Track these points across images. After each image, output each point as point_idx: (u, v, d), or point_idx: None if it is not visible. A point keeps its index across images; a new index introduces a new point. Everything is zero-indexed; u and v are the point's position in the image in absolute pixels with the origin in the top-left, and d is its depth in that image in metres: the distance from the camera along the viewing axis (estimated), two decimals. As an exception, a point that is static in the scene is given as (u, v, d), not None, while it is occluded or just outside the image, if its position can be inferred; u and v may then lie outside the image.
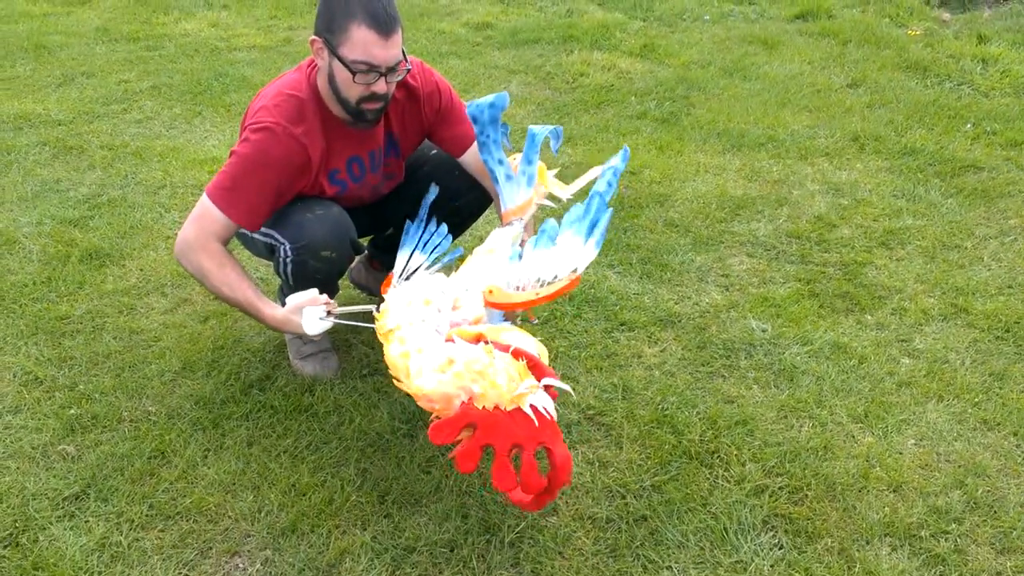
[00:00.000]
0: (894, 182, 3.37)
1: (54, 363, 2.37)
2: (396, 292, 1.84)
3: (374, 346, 2.42)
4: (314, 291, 1.93)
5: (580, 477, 1.96)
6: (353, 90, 1.90)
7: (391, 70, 1.89)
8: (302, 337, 2.31)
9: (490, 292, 1.79)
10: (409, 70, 1.97)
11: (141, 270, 2.84)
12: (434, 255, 2.07)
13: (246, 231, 2.19)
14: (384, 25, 1.81)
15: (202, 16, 6.14)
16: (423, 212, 2.13)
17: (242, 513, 1.86)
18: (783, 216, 3.14)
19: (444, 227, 2.11)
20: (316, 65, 1.99)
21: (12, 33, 5.71)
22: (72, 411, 2.17)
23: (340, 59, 1.86)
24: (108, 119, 4.24)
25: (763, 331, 2.49)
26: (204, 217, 1.98)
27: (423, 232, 2.09)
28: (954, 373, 2.29)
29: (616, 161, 1.94)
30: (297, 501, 1.89)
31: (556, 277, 1.80)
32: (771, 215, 3.14)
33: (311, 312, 1.87)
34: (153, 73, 4.92)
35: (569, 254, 1.82)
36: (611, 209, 1.90)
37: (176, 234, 3.02)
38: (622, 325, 2.51)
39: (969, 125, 3.83)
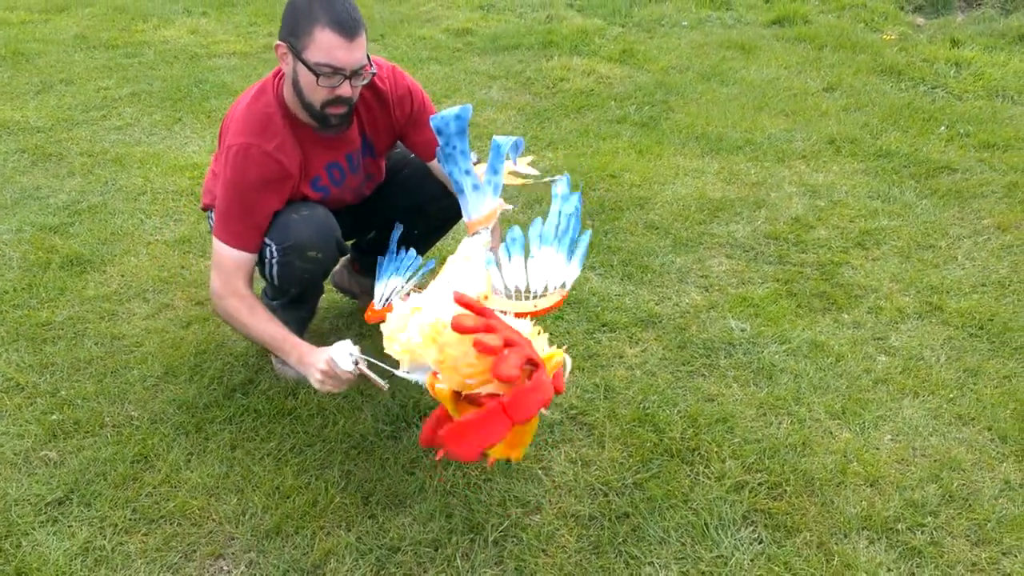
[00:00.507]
0: (870, 183, 3.42)
1: (35, 369, 2.36)
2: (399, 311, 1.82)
3: (362, 347, 2.43)
4: (347, 342, 1.88)
5: (563, 476, 1.98)
6: (317, 94, 1.91)
7: (355, 73, 1.90)
8: None
9: (484, 298, 1.81)
10: (375, 73, 1.99)
11: (122, 276, 2.84)
12: (408, 273, 2.11)
13: None
14: (348, 28, 1.83)
15: (181, 23, 6.12)
16: (392, 246, 2.19)
17: (226, 516, 1.87)
18: (761, 218, 3.17)
19: (412, 251, 2.18)
20: (282, 76, 2.01)
21: (-11, 41, 5.67)
22: (54, 417, 2.17)
23: (304, 63, 1.87)
24: (87, 126, 4.23)
25: (742, 330, 2.52)
26: (220, 259, 2.05)
27: (395, 261, 2.14)
28: (929, 370, 2.33)
29: (561, 187, 1.98)
30: (281, 503, 1.89)
31: (546, 288, 1.84)
32: (749, 217, 3.18)
33: (342, 347, 1.84)
34: (132, 80, 4.91)
35: (555, 269, 1.86)
36: (590, 231, 1.97)
37: (157, 240, 3.05)
38: (604, 326, 2.54)
39: (943, 127, 3.89)
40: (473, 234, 1.97)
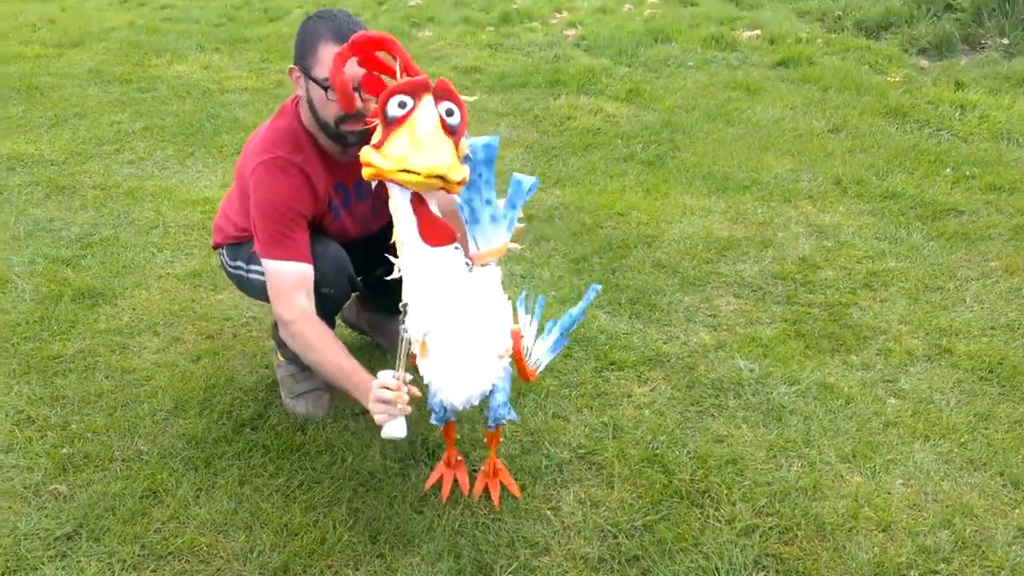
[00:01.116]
0: (876, 225, 3.44)
1: (46, 402, 2.37)
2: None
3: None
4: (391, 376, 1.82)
5: (572, 517, 1.98)
6: (329, 109, 1.93)
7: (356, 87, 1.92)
8: (294, 376, 2.33)
9: (520, 337, 1.86)
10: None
11: (133, 309, 2.85)
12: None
13: (242, 272, 2.21)
14: (347, 40, 1.86)
15: (194, 58, 6.21)
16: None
17: (234, 553, 1.86)
18: (768, 257, 3.19)
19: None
20: (298, 100, 2.04)
21: (4, 74, 5.76)
22: (64, 450, 2.17)
23: (314, 80, 1.90)
24: (100, 159, 4.27)
25: (751, 371, 2.52)
26: (275, 280, 1.99)
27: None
28: (939, 413, 2.33)
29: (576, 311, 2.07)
30: (289, 541, 1.89)
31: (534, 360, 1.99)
32: (757, 256, 3.19)
33: (398, 424, 1.79)
34: (145, 114, 4.97)
35: (542, 351, 2.02)
36: (567, 340, 2.11)
37: (168, 273, 3.07)
38: (612, 364, 2.54)
39: (949, 169, 3.92)
40: (483, 265, 1.97)
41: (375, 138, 1.61)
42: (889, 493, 2.05)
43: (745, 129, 4.55)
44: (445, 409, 1.84)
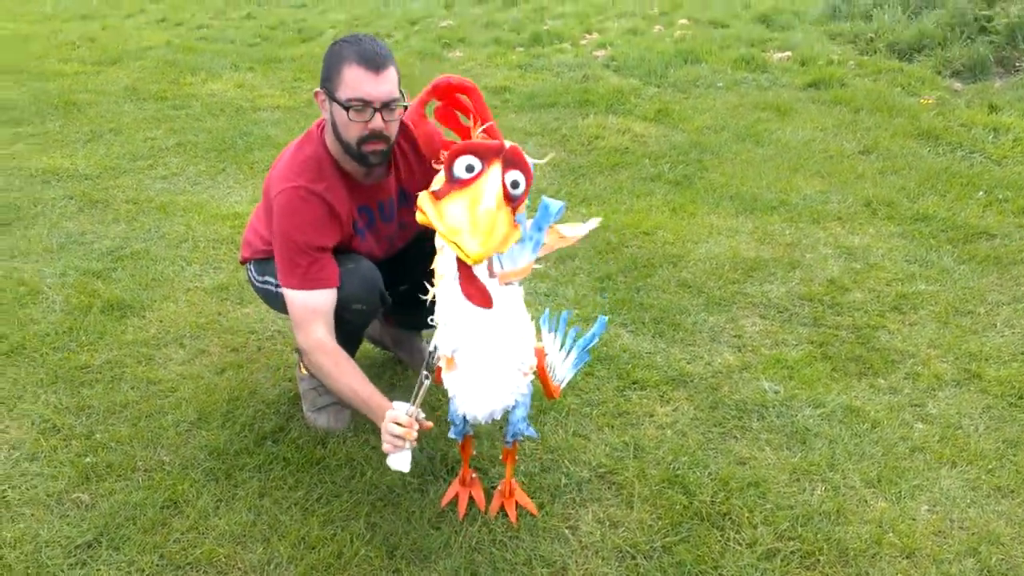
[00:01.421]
0: (906, 247, 3.39)
1: (72, 411, 2.40)
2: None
3: (391, 397, 2.44)
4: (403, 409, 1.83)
5: (590, 536, 1.96)
6: (351, 130, 1.94)
7: (385, 106, 1.93)
8: (316, 389, 2.34)
9: (544, 354, 1.85)
10: (407, 107, 2.01)
11: (161, 321, 2.89)
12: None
13: (270, 287, 2.23)
14: (373, 63, 1.89)
15: (228, 77, 6.31)
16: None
17: (251, 565, 1.87)
18: (796, 279, 3.16)
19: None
20: (323, 124, 2.06)
21: (44, 91, 5.89)
22: (88, 459, 2.20)
23: (337, 101, 1.92)
24: (134, 174, 4.34)
25: (775, 393, 2.49)
26: (294, 310, 2.03)
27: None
28: (967, 439, 2.28)
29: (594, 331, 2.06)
30: (306, 554, 1.89)
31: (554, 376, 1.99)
32: (784, 277, 3.17)
33: (403, 457, 1.80)
34: (179, 131, 5.05)
35: (563, 369, 2.01)
36: (589, 356, 2.12)
37: (196, 287, 3.11)
38: (634, 384, 2.52)
39: (981, 192, 3.86)
40: (506, 284, 1.97)
41: (436, 184, 1.60)
42: (914, 519, 2.01)
43: (774, 150, 4.53)
44: (465, 422, 1.84)
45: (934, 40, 6.09)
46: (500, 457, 2.14)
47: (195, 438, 2.30)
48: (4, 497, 2.07)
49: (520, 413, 1.82)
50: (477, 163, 1.54)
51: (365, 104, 1.90)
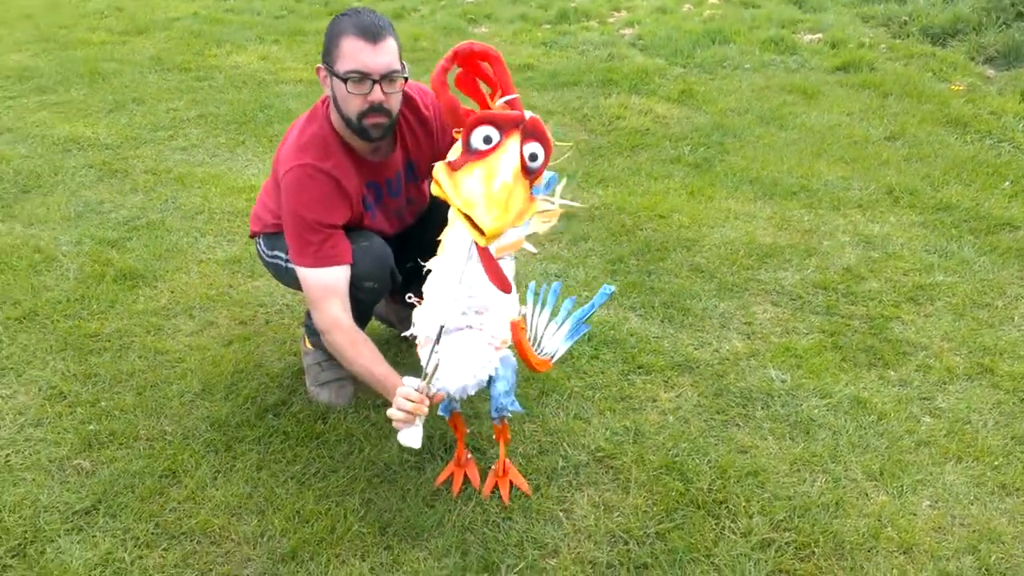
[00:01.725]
0: (927, 237, 3.33)
1: (79, 379, 2.43)
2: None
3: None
4: (415, 384, 1.78)
5: (584, 520, 1.95)
6: (352, 103, 1.92)
7: (385, 78, 1.89)
8: (320, 364, 2.34)
9: (521, 328, 1.82)
10: (407, 78, 1.98)
11: (172, 292, 2.90)
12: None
13: (279, 262, 2.23)
14: (371, 33, 1.86)
15: (253, 49, 6.30)
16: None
17: (245, 537, 1.88)
18: (811, 266, 3.11)
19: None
20: (328, 101, 2.04)
21: (70, 59, 5.92)
22: (91, 427, 2.22)
23: (336, 75, 1.90)
24: (154, 145, 4.36)
25: (782, 381, 2.46)
26: (308, 288, 2.02)
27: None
28: (975, 434, 2.24)
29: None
30: (300, 528, 1.90)
31: (543, 350, 1.94)
32: (799, 264, 3.12)
33: (414, 433, 1.76)
34: (201, 102, 5.06)
35: (555, 342, 1.97)
36: (589, 326, 2.12)
37: (209, 258, 3.12)
38: (639, 368, 2.50)
39: (1007, 183, 3.78)
40: (499, 259, 1.96)
41: (452, 154, 1.58)
42: (914, 514, 1.98)
43: (798, 134, 4.45)
44: (449, 398, 1.83)
45: (969, 25, 5.94)
46: (493, 436, 2.13)
47: (198, 409, 2.31)
48: (7, 462, 2.10)
49: (501, 387, 1.80)
50: (495, 134, 1.52)
51: (363, 76, 1.87)
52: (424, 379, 1.75)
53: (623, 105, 4.85)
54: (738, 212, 3.55)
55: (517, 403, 1.86)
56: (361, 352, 1.93)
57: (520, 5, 7.69)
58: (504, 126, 1.53)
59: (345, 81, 1.88)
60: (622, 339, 2.63)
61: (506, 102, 1.62)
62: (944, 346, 2.63)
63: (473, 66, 1.67)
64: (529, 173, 1.53)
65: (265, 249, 2.28)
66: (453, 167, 1.52)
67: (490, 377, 1.79)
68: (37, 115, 4.78)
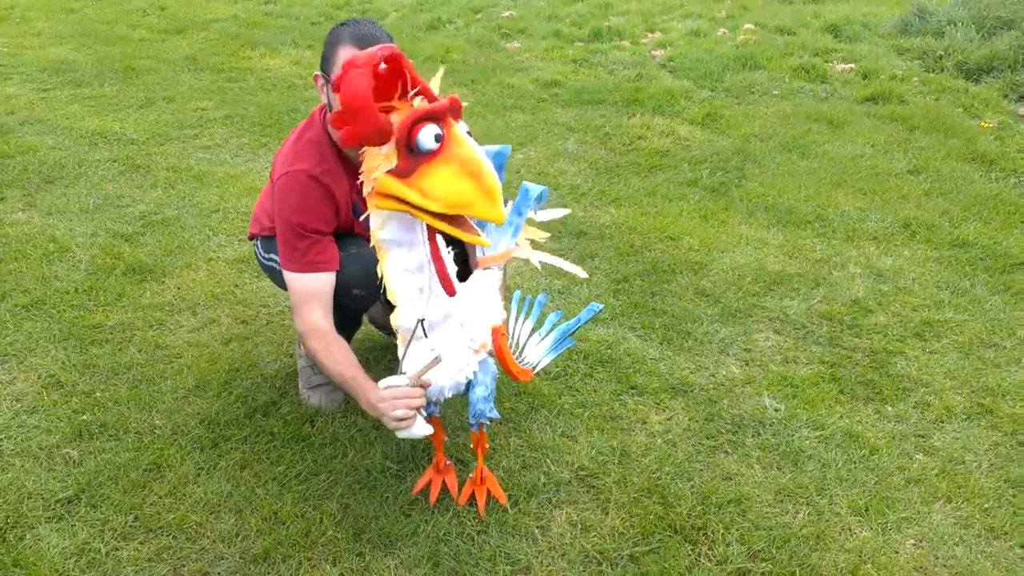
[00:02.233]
0: (940, 273, 3.28)
1: (78, 369, 2.46)
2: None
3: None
4: (404, 379, 1.78)
5: (560, 538, 1.94)
6: None
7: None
8: (312, 367, 2.36)
9: (502, 334, 1.81)
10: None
11: (178, 288, 2.94)
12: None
13: (274, 264, 2.25)
14: (366, 43, 1.86)
15: (286, 53, 6.39)
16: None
17: (220, 535, 1.89)
18: (818, 296, 3.08)
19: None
20: (324, 108, 2.07)
21: (108, 55, 6.04)
22: (84, 417, 2.25)
23: (332, 84, 1.92)
24: (179, 142, 4.44)
25: (776, 410, 2.44)
26: (292, 292, 2.03)
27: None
28: (968, 475, 2.20)
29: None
30: (275, 529, 1.91)
31: (524, 360, 1.96)
32: (806, 294, 3.09)
33: (418, 425, 1.76)
34: (230, 103, 5.14)
35: (537, 353, 1.97)
36: (572, 342, 2.17)
37: (218, 257, 3.16)
38: (632, 388, 2.49)
39: (1029, 222, 3.72)
40: (485, 268, 1.97)
41: (384, 165, 1.54)
42: (897, 552, 1.94)
43: (819, 163, 4.42)
44: (429, 402, 1.83)
45: (1005, 62, 5.86)
46: (471, 445, 2.13)
47: (190, 405, 2.34)
48: (-1, 446, 2.14)
49: (480, 392, 1.80)
50: (440, 128, 1.50)
51: None
52: (399, 371, 1.75)
53: (645, 125, 4.85)
54: (750, 238, 3.53)
55: (496, 410, 1.86)
56: (334, 355, 1.94)
57: (555, 22, 7.73)
58: (443, 117, 1.51)
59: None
60: (618, 359, 2.62)
61: (418, 93, 1.59)
62: (946, 384, 2.59)
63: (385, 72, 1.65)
64: None
65: (262, 252, 2.31)
66: (403, 175, 1.50)
67: (469, 382, 1.79)
68: (69, 108, 4.89)
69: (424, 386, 1.76)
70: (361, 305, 2.20)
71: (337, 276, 2.06)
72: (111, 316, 2.74)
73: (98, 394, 2.36)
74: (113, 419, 2.25)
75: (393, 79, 1.61)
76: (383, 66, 1.56)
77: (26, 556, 1.80)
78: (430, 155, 1.49)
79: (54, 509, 1.94)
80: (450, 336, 1.73)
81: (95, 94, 5.18)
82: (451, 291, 1.60)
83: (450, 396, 1.81)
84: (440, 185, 1.46)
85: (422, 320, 1.73)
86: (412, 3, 8.59)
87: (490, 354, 1.84)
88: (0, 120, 4.60)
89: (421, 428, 1.75)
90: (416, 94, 1.60)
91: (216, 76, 5.74)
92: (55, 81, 5.43)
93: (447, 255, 1.66)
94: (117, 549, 1.84)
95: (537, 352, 1.95)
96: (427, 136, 1.48)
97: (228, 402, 2.34)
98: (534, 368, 1.95)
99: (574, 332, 2.03)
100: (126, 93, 5.22)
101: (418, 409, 1.75)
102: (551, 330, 2.01)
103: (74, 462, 2.09)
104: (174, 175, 3.97)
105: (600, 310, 2.02)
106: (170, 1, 8.32)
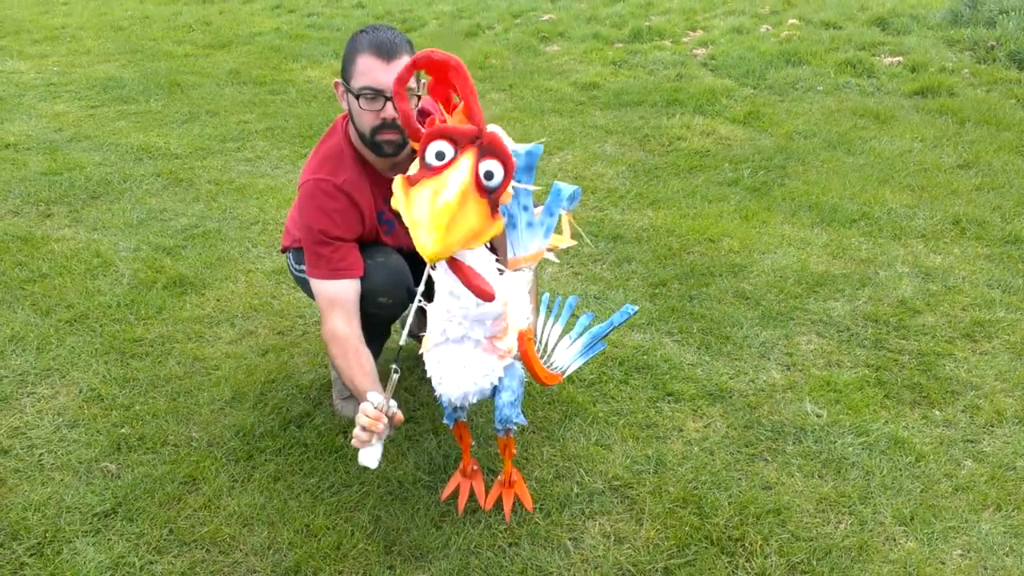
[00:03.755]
0: (991, 271, 3.17)
1: (118, 382, 2.50)
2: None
3: (415, 392, 2.44)
4: (380, 399, 1.74)
5: (592, 551, 1.91)
6: (365, 119, 1.94)
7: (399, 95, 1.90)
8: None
9: (529, 339, 1.79)
10: (420, 96, 1.98)
11: (218, 300, 2.98)
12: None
13: (305, 276, 2.26)
14: (385, 50, 1.87)
15: (327, 65, 6.46)
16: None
17: (253, 548, 1.90)
18: (863, 297, 3.00)
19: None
20: (347, 116, 2.07)
21: (153, 71, 6.17)
22: (123, 430, 2.29)
23: (351, 91, 1.92)
24: (221, 155, 4.50)
25: (818, 416, 2.37)
26: (317, 298, 2.05)
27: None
28: (1019, 482, 2.11)
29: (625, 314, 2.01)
30: (307, 542, 1.91)
31: (552, 364, 1.91)
32: (851, 295, 3.01)
33: (372, 453, 1.71)
34: (271, 115, 5.20)
35: (567, 357, 1.93)
36: (604, 345, 2.09)
37: (257, 268, 3.19)
38: (669, 395, 2.45)
39: (1087, 216, 3.58)
40: (516, 270, 1.94)
41: (412, 168, 1.57)
42: (943, 563, 1.87)
43: (866, 160, 4.31)
44: (453, 407, 1.81)
45: (1061, 49, 5.67)
46: (498, 450, 2.10)
47: (226, 417, 2.35)
48: (40, 461, 2.18)
49: (507, 397, 1.77)
50: (449, 150, 1.47)
51: (376, 92, 1.89)
52: (385, 395, 1.71)
53: (685, 126, 4.79)
54: (792, 238, 3.45)
55: (523, 415, 1.83)
56: (351, 364, 1.93)
57: (594, 24, 7.68)
58: (459, 141, 1.48)
59: (359, 97, 1.90)
60: (654, 365, 2.58)
61: (463, 111, 1.57)
62: (997, 386, 2.50)
63: (442, 75, 1.63)
64: (486, 191, 1.49)
65: (294, 263, 2.32)
66: (410, 182, 1.49)
67: (494, 387, 1.77)
68: (116, 124, 4.99)
69: (391, 417, 1.71)
70: (389, 313, 2.19)
71: (363, 284, 2.06)
72: (151, 329, 2.78)
73: (137, 407, 2.39)
74: (151, 432, 2.28)
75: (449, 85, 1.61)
76: (424, 75, 1.58)
77: (62, 571, 1.83)
78: (432, 170, 1.48)
79: (91, 523, 1.96)
80: (469, 341, 1.70)
81: (141, 110, 5.28)
82: (487, 296, 1.55)
83: (475, 401, 1.78)
84: (417, 199, 1.46)
85: (401, 347, 1.73)
86: (452, 10, 8.62)
87: (516, 358, 1.81)
88: (49, 137, 4.72)
89: (367, 457, 1.68)
90: (465, 114, 1.60)
91: (258, 89, 5.82)
92: (103, 98, 5.56)
93: (479, 262, 1.63)
94: (152, 563, 1.86)
95: (567, 356, 1.92)
96: (430, 152, 1.48)
97: (263, 413, 2.36)
98: (563, 372, 1.91)
99: (606, 335, 2.00)
100: (171, 108, 5.32)
101: (378, 435, 1.69)
102: (582, 333, 1.98)
103: (112, 475, 2.12)
104: (216, 188, 4.03)
105: (634, 312, 1.98)
106: (215, 16, 8.47)
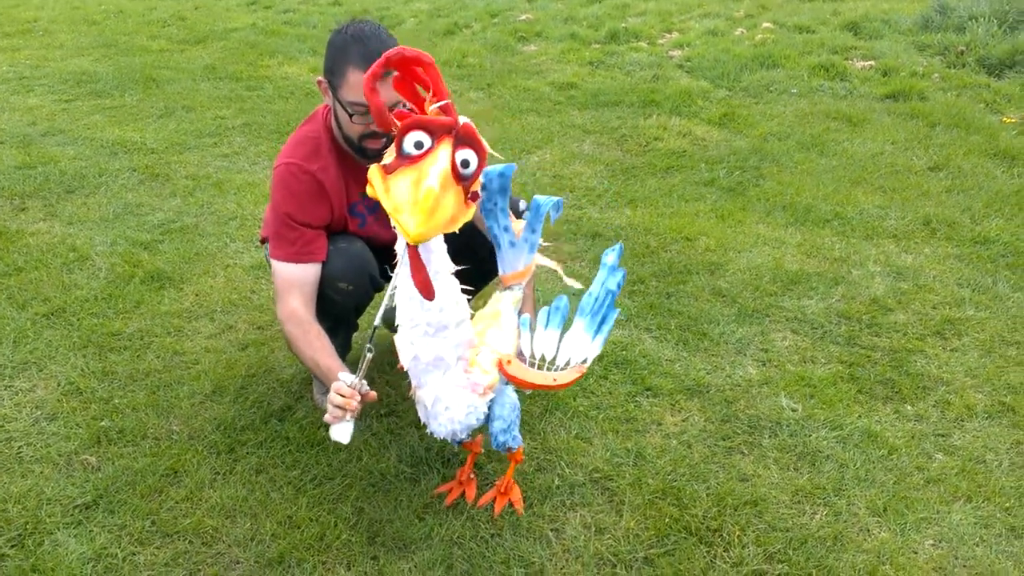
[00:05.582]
0: (961, 270, 3.24)
1: (97, 376, 2.49)
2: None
3: (396, 386, 2.46)
4: (352, 378, 1.75)
5: (573, 541, 1.93)
6: (353, 129, 1.97)
7: (389, 110, 1.92)
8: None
9: (508, 363, 1.80)
10: (412, 110, 2.00)
11: (196, 295, 2.97)
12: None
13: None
14: (373, 60, 1.87)
15: (304, 61, 6.44)
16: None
17: (236, 539, 1.91)
18: (837, 295, 3.05)
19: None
20: (328, 107, 2.08)
21: (128, 65, 6.11)
22: (103, 423, 2.28)
23: (339, 101, 1.94)
24: (198, 151, 4.47)
25: (793, 411, 2.42)
26: (275, 279, 2.07)
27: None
28: (989, 474, 2.17)
29: (612, 258, 1.94)
30: (290, 533, 1.92)
31: (568, 363, 1.83)
32: (824, 293, 3.06)
33: (344, 428, 1.73)
34: (248, 111, 5.18)
35: (579, 345, 1.85)
36: (619, 310, 1.94)
37: (235, 263, 3.18)
38: (647, 390, 2.48)
39: (1053, 218, 3.66)
40: (505, 289, 1.97)
41: (387, 157, 1.58)
42: (915, 553, 1.92)
43: (838, 161, 4.38)
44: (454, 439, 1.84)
45: (1028, 55, 5.79)
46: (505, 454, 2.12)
47: (207, 410, 2.35)
48: (19, 453, 2.16)
49: (499, 425, 1.78)
50: (427, 139, 1.52)
51: (368, 110, 1.90)
52: (357, 375, 1.72)
53: (662, 126, 4.84)
54: (767, 238, 3.50)
55: (520, 438, 1.84)
56: (311, 343, 1.95)
57: (572, 24, 7.72)
58: (436, 132, 1.53)
59: (351, 114, 1.92)
60: (633, 360, 2.61)
61: (439, 107, 1.61)
62: (967, 382, 2.56)
63: (409, 71, 1.66)
64: (462, 179, 1.53)
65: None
66: (387, 170, 1.53)
67: (487, 415, 1.79)
68: (90, 118, 4.95)
69: (364, 395, 1.73)
70: (350, 300, 2.18)
71: (323, 268, 2.07)
72: (130, 324, 2.77)
73: (116, 400, 2.38)
74: (131, 425, 2.27)
75: (421, 81, 1.62)
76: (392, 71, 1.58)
77: (44, 562, 1.82)
78: (409, 159, 1.51)
79: (72, 515, 1.96)
80: (449, 380, 1.72)
81: (116, 104, 5.24)
82: (429, 295, 1.58)
83: (465, 438, 1.81)
84: (396, 186, 1.49)
85: (376, 326, 1.73)
86: (429, 9, 8.62)
87: (505, 383, 1.83)
88: (23, 131, 4.67)
89: (339, 433, 1.71)
90: (439, 108, 1.61)
91: (235, 84, 5.79)
92: (77, 92, 5.50)
93: (435, 261, 1.65)
94: (134, 554, 1.86)
95: (580, 350, 1.87)
96: (409, 142, 1.52)
97: (244, 407, 2.36)
98: (585, 362, 1.85)
99: (607, 302, 1.91)
100: (146, 103, 5.28)
101: (347, 413, 1.71)
102: (599, 308, 1.92)
103: (92, 468, 2.11)
104: (193, 183, 4.01)
105: (620, 252, 1.96)
106: (189, 12, 8.41)
